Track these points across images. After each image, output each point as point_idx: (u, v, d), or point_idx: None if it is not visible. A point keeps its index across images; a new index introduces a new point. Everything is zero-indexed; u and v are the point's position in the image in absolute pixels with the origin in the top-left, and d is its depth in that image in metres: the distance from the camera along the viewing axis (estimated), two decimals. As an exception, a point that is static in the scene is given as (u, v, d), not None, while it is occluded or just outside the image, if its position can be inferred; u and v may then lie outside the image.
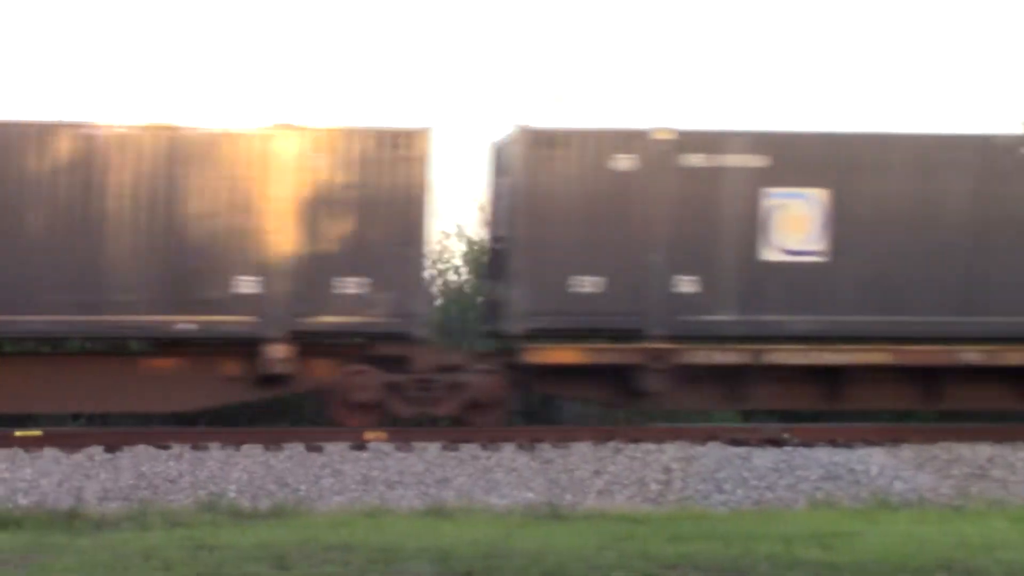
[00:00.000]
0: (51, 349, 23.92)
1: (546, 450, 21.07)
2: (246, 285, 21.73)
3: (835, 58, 48.83)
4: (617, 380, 22.63)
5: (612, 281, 22.10)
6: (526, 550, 13.00)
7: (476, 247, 28.78)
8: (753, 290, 22.19)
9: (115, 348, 23.48)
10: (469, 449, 21.04)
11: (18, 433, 20.95)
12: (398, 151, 21.92)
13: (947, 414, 26.44)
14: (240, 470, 19.96)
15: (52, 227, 21.52)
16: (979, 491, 19.90)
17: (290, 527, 15.42)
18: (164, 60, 46.51)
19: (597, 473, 20.35)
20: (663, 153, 22.09)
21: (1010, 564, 12.10)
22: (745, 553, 12.79)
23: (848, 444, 21.61)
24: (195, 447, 20.73)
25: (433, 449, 20.98)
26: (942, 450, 21.35)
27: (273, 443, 20.99)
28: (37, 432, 21.08)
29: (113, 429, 22.35)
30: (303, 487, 19.61)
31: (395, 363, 22.41)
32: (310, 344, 22.23)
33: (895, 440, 21.86)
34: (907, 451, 21.34)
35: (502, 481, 20.06)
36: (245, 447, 20.83)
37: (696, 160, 22.10)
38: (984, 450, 21.39)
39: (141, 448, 20.56)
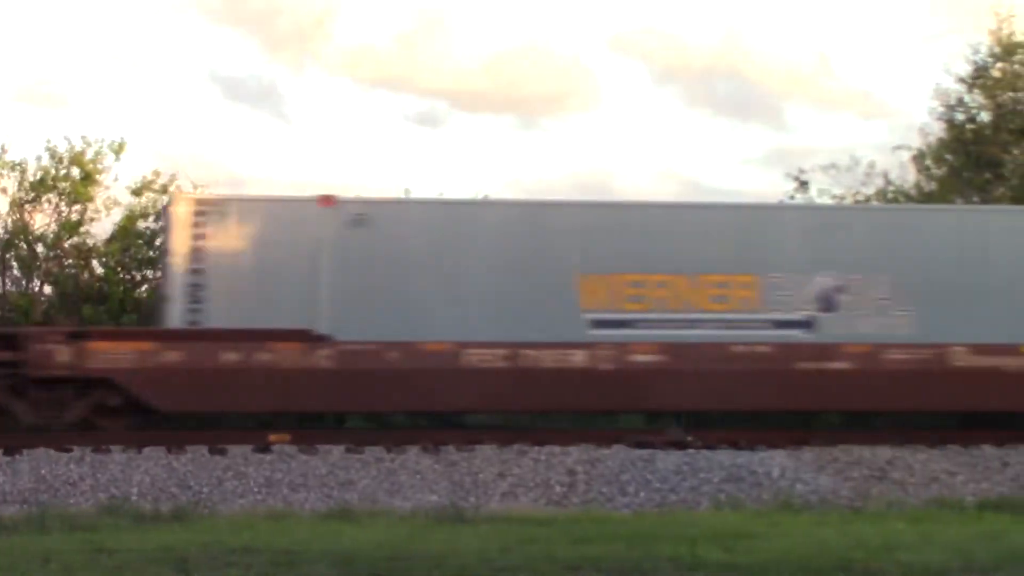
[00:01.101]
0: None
1: (451, 453, 21.08)
2: None
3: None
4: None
5: None
6: (430, 552, 12.99)
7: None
8: None
9: None
10: (373, 452, 21.00)
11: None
12: None
13: (849, 418, 26.71)
14: (142, 473, 19.79)
15: None
16: (879, 493, 20.10)
17: (192, 530, 15.30)
18: None
19: (501, 475, 20.37)
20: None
21: (908, 565, 12.22)
22: (648, 555, 12.84)
23: (751, 447, 21.77)
24: (96, 450, 20.54)
25: (337, 452, 20.93)
26: (843, 452, 21.56)
27: (176, 446, 20.84)
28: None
29: (13, 432, 22.07)
30: (206, 490, 19.48)
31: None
32: None
33: (797, 443, 22.06)
34: (808, 454, 21.53)
35: (406, 483, 20.03)
36: (147, 450, 20.66)
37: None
38: (884, 452, 21.62)
39: (41, 451, 20.34)
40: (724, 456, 21.05)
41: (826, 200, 35.10)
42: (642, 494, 19.94)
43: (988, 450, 22.07)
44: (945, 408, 24.52)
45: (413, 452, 21.05)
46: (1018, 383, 23.64)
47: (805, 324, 23.59)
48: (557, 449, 21.16)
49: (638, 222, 23.76)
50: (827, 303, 23.66)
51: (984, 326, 23.81)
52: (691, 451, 21.38)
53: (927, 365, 23.53)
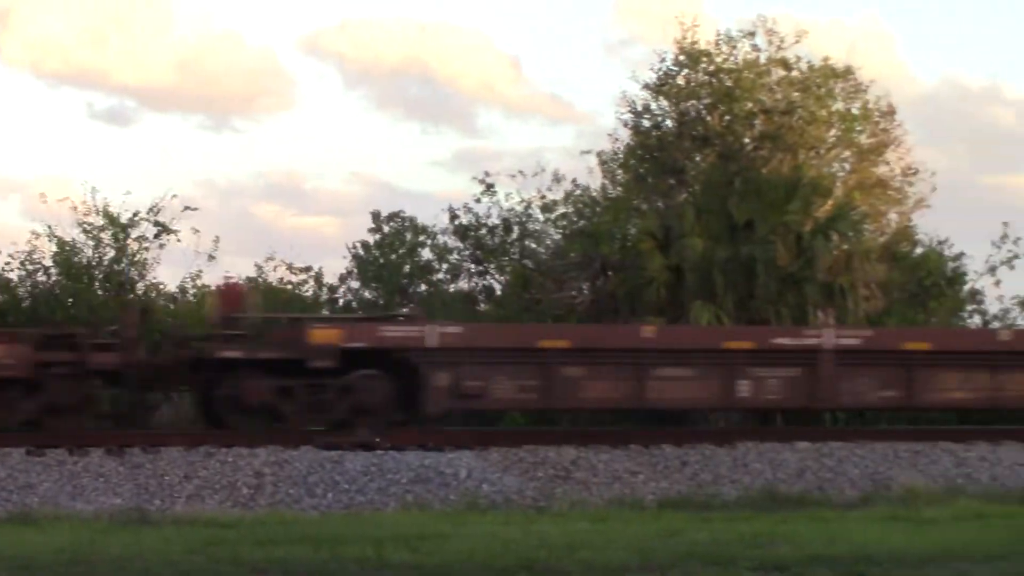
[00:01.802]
0: None
1: (136, 455, 20.71)
2: None
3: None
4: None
5: None
6: (112, 556, 12.77)
7: (68, 248, 28.13)
8: None
9: None
10: (55, 454, 20.50)
11: None
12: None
13: (535, 418, 27.12)
14: None
15: None
16: (563, 492, 20.45)
17: None
18: None
19: (188, 478, 20.10)
20: None
21: (590, 563, 12.47)
22: (334, 556, 12.84)
23: (439, 448, 21.92)
24: None
25: (17, 455, 20.36)
26: (528, 453, 21.87)
27: None
28: None
29: None
30: None
31: None
32: None
33: (484, 443, 22.29)
34: (495, 454, 21.78)
35: (89, 487, 19.62)
36: None
37: None
38: (568, 452, 22.01)
39: None
40: (412, 457, 21.16)
41: (514, 202, 35.58)
42: (330, 495, 19.91)
43: (668, 450, 22.64)
44: None
45: (97, 454, 20.62)
46: None
47: None
48: (244, 451, 20.98)
49: None
50: None
51: None
52: (379, 452, 21.43)
53: None
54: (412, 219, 36.05)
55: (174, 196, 30.74)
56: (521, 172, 36.08)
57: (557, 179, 36.08)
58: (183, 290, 32.48)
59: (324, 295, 35.28)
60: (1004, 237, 37.71)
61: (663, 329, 25.75)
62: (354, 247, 35.89)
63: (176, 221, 30.78)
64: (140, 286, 30.57)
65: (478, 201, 35.98)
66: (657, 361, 23.82)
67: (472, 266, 36.00)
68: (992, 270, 37.53)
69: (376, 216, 36.08)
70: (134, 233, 30.40)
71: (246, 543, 13.88)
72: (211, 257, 31.56)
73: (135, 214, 30.41)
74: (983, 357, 24.94)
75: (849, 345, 24.41)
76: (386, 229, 35.96)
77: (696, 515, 17.56)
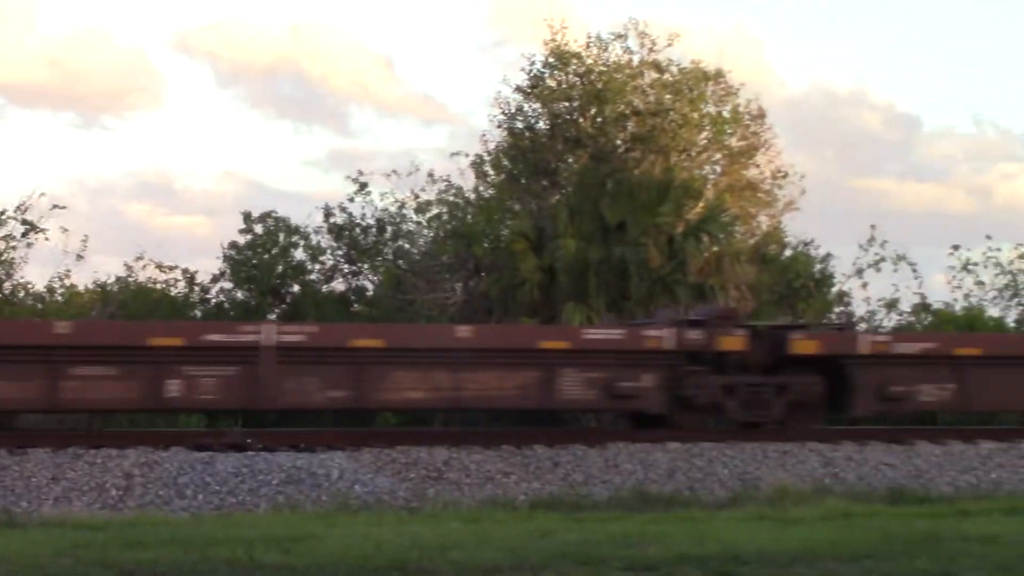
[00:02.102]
0: None
1: (2, 456, 20.41)
2: None
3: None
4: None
5: None
6: (-24, 560, 12.58)
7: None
8: None
9: None
10: (-82, 456, 20.16)
11: None
12: None
13: (407, 419, 27.11)
14: None
15: None
16: (435, 493, 20.46)
17: None
18: None
19: (55, 479, 19.85)
20: None
21: (462, 564, 12.49)
22: (205, 558, 12.75)
23: (311, 448, 21.84)
24: None
25: None
26: (400, 453, 21.85)
27: None
28: None
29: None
30: None
31: None
32: None
33: (356, 444, 22.24)
34: (367, 455, 21.73)
35: (-46, 489, 19.32)
36: None
37: None
38: (440, 453, 22.02)
39: None
40: (284, 458, 21.06)
41: (388, 201, 35.58)
42: (200, 497, 19.76)
43: (540, 450, 22.72)
44: None
45: (-39, 456, 20.32)
46: None
47: None
48: (114, 452, 20.75)
49: None
50: None
51: None
52: (251, 453, 21.31)
53: None
54: (284, 219, 35.89)
55: (42, 194, 30.45)
56: (395, 171, 36.13)
57: (432, 179, 36.14)
58: (51, 290, 32.16)
59: (196, 295, 35.04)
60: (871, 240, 38.40)
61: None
62: (226, 247, 35.67)
63: (44, 220, 30.49)
64: (7, 286, 30.21)
65: (352, 200, 35.96)
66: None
67: (346, 266, 35.94)
68: (859, 272, 38.19)
69: (247, 217, 35.86)
70: (1, 232, 30.04)
71: (115, 545, 13.73)
72: (79, 256, 31.28)
73: (2, 212, 30.05)
74: (442, 355, 23.64)
75: (292, 342, 23.09)
76: (258, 230, 35.75)
77: (568, 515, 17.63)
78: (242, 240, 35.54)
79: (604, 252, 31.11)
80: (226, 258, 35.46)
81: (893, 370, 25.24)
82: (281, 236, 35.59)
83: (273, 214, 35.86)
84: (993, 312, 37.71)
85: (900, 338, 26.78)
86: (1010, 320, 37.77)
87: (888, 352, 25.42)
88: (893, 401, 25.45)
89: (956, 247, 39.46)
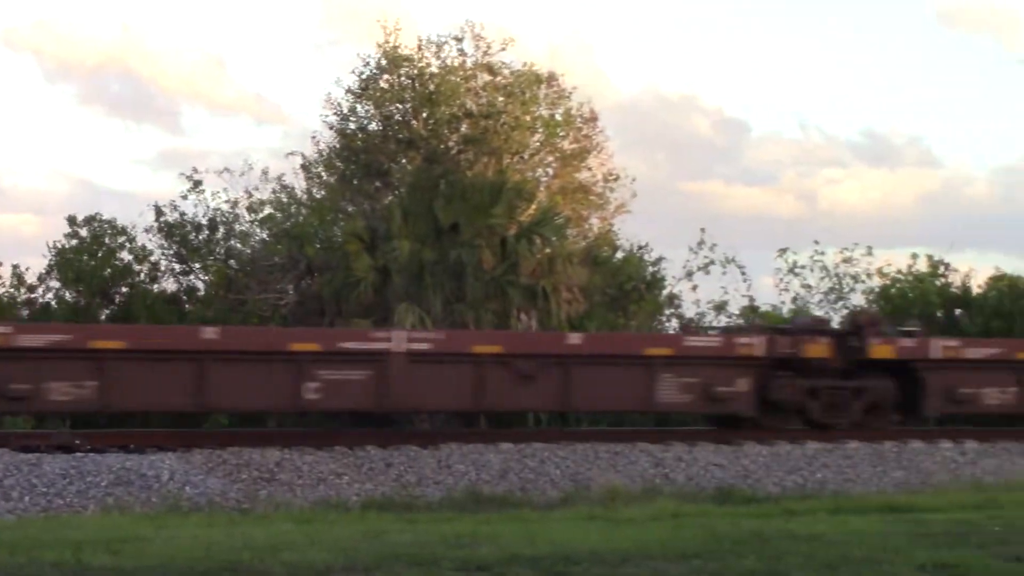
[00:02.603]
0: None
1: None
2: None
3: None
4: None
5: None
6: None
7: None
8: None
9: None
10: None
11: None
12: None
13: (239, 419, 26.93)
14: None
15: None
16: (267, 494, 20.35)
17: None
18: None
19: None
20: None
21: (294, 564, 12.43)
22: (31, 561, 12.55)
23: (140, 450, 21.60)
24: None
25: None
26: (232, 455, 21.69)
27: None
28: None
29: None
30: None
31: None
32: None
33: (187, 445, 22.03)
34: (199, 456, 21.54)
35: None
36: None
37: None
38: (273, 454, 21.91)
39: None
40: (113, 459, 20.80)
41: (220, 201, 35.27)
42: (27, 499, 19.44)
43: (373, 451, 22.71)
44: None
45: None
46: None
47: None
48: (-62, 454, 20.35)
49: None
50: None
51: None
52: (79, 454, 21.02)
53: None
54: (111, 221, 35.41)
55: None
56: (228, 169, 35.82)
57: (265, 177, 35.91)
58: None
59: (22, 295, 34.46)
60: (701, 243, 38.90)
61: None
62: (53, 247, 35.14)
63: None
64: None
65: (185, 199, 35.61)
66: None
67: (177, 266, 35.56)
68: (689, 275, 38.68)
69: (72, 220, 35.34)
70: None
71: (-62, 549, 13.47)
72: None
73: None
74: (553, 360, 24.72)
75: (420, 349, 24.12)
76: (83, 232, 35.24)
77: (400, 516, 17.64)
78: (68, 244, 35.03)
79: (438, 253, 31.15)
80: (53, 259, 34.92)
81: (961, 374, 26.88)
82: (107, 238, 35.11)
83: (99, 217, 35.39)
84: (819, 314, 38.39)
85: (968, 343, 28.11)
86: (835, 323, 38.46)
87: (957, 357, 26.97)
88: (960, 403, 27.07)
89: (783, 250, 40.20)
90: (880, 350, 26.42)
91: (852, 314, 30.39)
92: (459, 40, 36.49)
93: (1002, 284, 37.70)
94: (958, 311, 37.21)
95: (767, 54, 73.79)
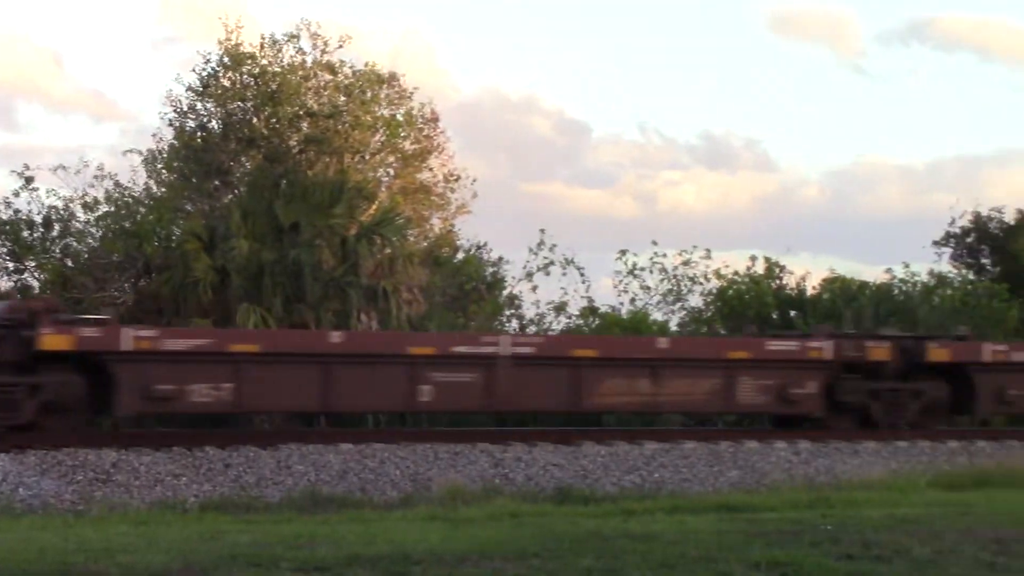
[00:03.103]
0: None
1: None
2: None
3: None
4: None
5: None
6: None
7: None
8: None
9: None
10: None
11: None
12: None
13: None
14: None
15: None
16: (103, 496, 20.10)
17: None
18: None
19: None
20: None
21: (130, 567, 12.31)
22: None
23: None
24: None
25: None
26: (67, 456, 21.39)
27: None
28: None
29: None
30: None
31: None
32: None
33: (20, 446, 21.69)
34: (33, 457, 21.22)
35: None
36: None
37: None
38: (109, 455, 21.64)
39: None
40: (-57, 461, 20.42)
41: (55, 198, 34.73)
42: None
43: (211, 452, 22.53)
44: None
45: None
46: None
47: None
48: None
49: None
50: None
51: None
52: (-92, 456, 20.61)
53: None
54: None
55: None
56: (63, 166, 35.29)
57: (100, 174, 35.41)
58: None
59: None
60: (541, 244, 39.11)
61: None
62: None
63: None
64: None
65: (17, 195, 35.00)
66: None
67: (10, 264, 34.94)
68: (529, 275, 38.85)
69: None
70: None
71: None
72: None
73: None
74: (640, 363, 25.97)
75: (524, 353, 25.23)
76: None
77: (239, 517, 17.55)
78: None
79: (278, 253, 30.97)
80: None
81: (1008, 376, 28.28)
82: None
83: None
84: (657, 316, 38.80)
85: (1015, 347, 29.31)
86: (673, 324, 38.89)
87: (1006, 360, 28.38)
88: (1008, 404, 28.62)
89: (623, 252, 40.47)
90: (937, 353, 27.89)
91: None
92: (295, 38, 36.27)
93: (835, 285, 38.39)
94: (793, 312, 37.77)
95: (608, 57, 74.45)
